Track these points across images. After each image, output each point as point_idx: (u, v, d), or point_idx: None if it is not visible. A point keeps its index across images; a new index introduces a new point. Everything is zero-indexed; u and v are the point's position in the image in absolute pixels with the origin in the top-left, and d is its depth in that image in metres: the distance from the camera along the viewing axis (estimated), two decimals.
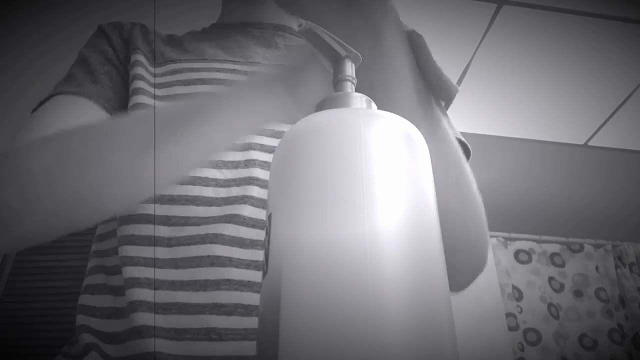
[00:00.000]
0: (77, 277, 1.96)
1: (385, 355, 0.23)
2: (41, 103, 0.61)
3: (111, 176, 0.44)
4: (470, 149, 0.67)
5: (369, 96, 0.34)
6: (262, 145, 0.58)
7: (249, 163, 0.57)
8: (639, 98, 2.37)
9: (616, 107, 2.42)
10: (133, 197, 0.48)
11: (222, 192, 0.55)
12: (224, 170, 0.57)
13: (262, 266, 0.30)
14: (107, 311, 0.53)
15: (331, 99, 0.34)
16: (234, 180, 0.56)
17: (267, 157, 0.58)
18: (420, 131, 0.36)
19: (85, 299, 0.55)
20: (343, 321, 0.24)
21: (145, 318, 0.49)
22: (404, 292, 0.25)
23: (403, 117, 0.33)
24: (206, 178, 0.56)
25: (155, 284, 0.51)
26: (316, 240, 0.27)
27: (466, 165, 0.54)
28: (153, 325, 0.48)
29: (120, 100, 0.63)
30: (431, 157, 0.46)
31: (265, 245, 0.30)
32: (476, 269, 0.58)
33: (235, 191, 0.55)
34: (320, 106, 0.34)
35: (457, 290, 0.59)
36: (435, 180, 0.47)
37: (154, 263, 0.52)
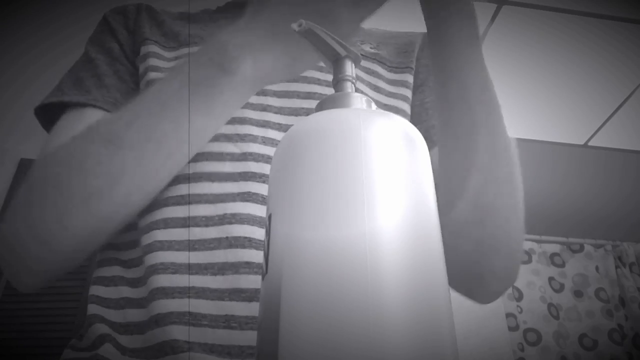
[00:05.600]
0: (77, 277, 1.96)
1: (385, 355, 0.23)
2: (47, 105, 0.61)
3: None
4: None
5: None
6: (279, 124, 0.58)
7: (266, 141, 0.56)
8: (639, 98, 2.36)
9: (616, 107, 2.42)
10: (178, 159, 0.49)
11: (239, 167, 0.54)
12: (239, 144, 0.55)
13: (262, 267, 0.30)
14: (122, 302, 0.51)
15: (331, 99, 0.34)
16: (250, 154, 0.54)
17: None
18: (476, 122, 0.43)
19: (98, 290, 0.53)
20: (343, 321, 0.24)
21: (160, 306, 0.47)
22: (404, 292, 0.25)
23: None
24: (221, 153, 0.54)
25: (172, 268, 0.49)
26: (316, 240, 0.27)
27: (517, 166, 0.54)
28: (167, 312, 0.47)
29: (130, 97, 0.62)
30: (483, 150, 0.48)
31: (265, 245, 0.30)
32: (510, 275, 0.57)
33: (253, 167, 0.54)
34: (321, 106, 0.34)
35: (486, 301, 0.58)
36: (484, 175, 0.49)
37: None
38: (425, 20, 0.53)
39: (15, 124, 2.35)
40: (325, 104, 0.34)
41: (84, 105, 0.59)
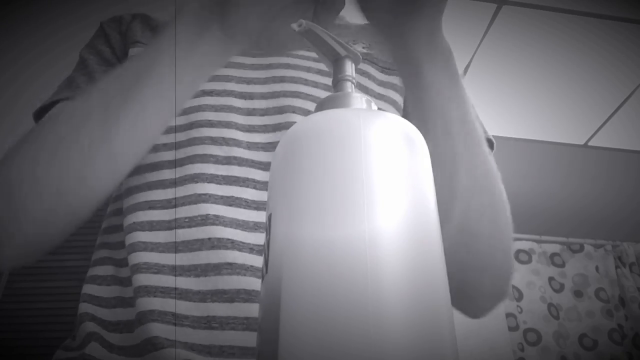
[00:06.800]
0: (77, 277, 1.95)
1: (385, 355, 0.23)
2: (43, 108, 0.61)
3: (87, 156, 0.46)
4: (494, 145, 0.66)
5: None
6: (265, 125, 0.58)
7: (251, 145, 0.56)
8: (639, 98, 2.36)
9: (616, 107, 2.41)
10: (115, 171, 0.48)
11: (221, 170, 0.54)
12: (224, 147, 0.56)
13: (262, 267, 0.30)
14: (113, 301, 0.52)
15: (331, 99, 0.34)
16: (235, 158, 0.55)
17: (269, 137, 0.57)
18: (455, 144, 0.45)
19: (90, 289, 0.54)
20: (343, 321, 0.24)
21: (143, 304, 0.48)
22: (404, 292, 0.25)
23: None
24: (205, 155, 0.55)
25: (155, 268, 0.50)
26: (316, 240, 0.27)
27: (500, 186, 0.55)
28: (149, 310, 0.47)
29: None
30: (463, 180, 0.50)
31: (265, 245, 0.30)
32: (499, 293, 0.59)
33: (236, 171, 0.54)
34: (321, 106, 0.34)
35: (478, 315, 0.60)
36: (466, 202, 0.50)
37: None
38: (398, 67, 0.51)
39: (15, 124, 2.35)
40: (325, 103, 0.34)
41: (73, 99, 0.59)
